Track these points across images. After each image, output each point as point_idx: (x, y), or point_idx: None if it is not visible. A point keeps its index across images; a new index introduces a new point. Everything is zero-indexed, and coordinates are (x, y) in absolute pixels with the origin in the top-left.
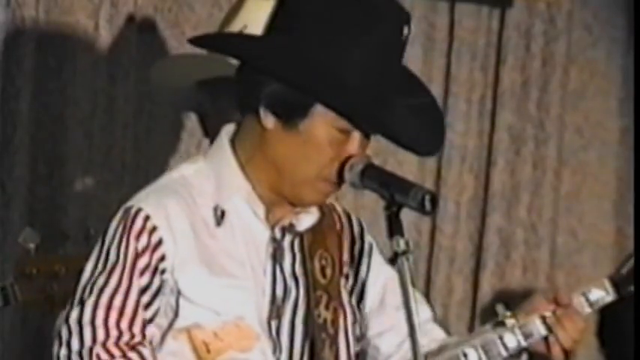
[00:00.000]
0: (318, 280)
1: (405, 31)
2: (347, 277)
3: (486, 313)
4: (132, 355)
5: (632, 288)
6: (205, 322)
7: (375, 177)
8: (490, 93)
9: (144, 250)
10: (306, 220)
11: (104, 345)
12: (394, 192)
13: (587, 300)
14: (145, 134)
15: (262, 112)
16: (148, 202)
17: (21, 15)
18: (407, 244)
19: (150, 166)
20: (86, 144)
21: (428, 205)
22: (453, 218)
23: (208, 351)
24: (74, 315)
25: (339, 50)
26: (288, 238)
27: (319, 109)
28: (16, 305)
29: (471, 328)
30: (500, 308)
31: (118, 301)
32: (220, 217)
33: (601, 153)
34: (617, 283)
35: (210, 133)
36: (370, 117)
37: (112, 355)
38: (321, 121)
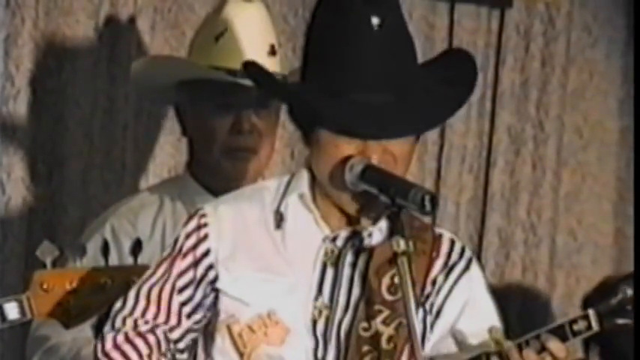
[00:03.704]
0: (382, 295)
1: (375, 21)
2: (427, 298)
3: None
4: (137, 341)
5: (617, 321)
6: (239, 315)
7: (374, 178)
8: (490, 93)
9: (190, 249)
10: (376, 236)
11: (121, 333)
12: (394, 193)
13: (572, 330)
14: (144, 134)
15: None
16: (213, 203)
17: (21, 15)
18: (407, 244)
19: (150, 166)
20: (86, 144)
21: (427, 206)
22: (452, 218)
23: (244, 345)
24: (116, 304)
25: (321, 61)
26: (353, 248)
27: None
28: (32, 319)
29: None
30: (496, 331)
31: (155, 293)
32: (280, 219)
33: (601, 153)
34: (602, 316)
35: (189, 132)
36: (321, 113)
37: (116, 346)
38: (321, 130)
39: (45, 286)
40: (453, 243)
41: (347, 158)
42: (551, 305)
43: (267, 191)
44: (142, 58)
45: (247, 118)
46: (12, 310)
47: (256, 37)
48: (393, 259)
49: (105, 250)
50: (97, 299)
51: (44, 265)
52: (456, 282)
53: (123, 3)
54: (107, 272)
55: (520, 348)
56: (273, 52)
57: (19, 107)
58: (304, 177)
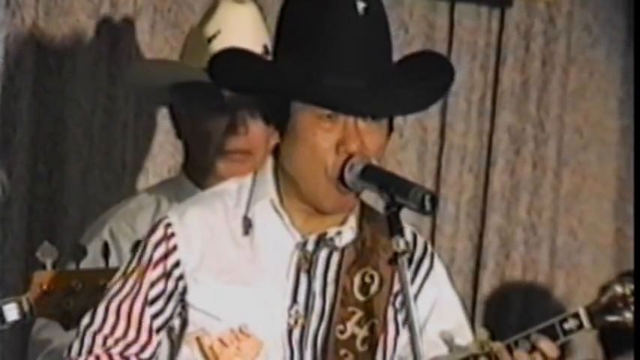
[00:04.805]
0: (355, 296)
1: (360, 6)
2: (396, 296)
3: (486, 314)
4: None
5: (608, 318)
6: (210, 328)
7: (374, 177)
8: (490, 93)
9: (160, 259)
10: (346, 235)
11: (94, 352)
12: (394, 192)
13: (562, 329)
14: (144, 134)
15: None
16: (176, 211)
17: (21, 15)
18: (407, 244)
19: (150, 166)
20: (86, 144)
21: (428, 206)
22: (452, 218)
23: (216, 358)
24: (85, 319)
25: (302, 41)
26: (325, 251)
27: (293, 105)
28: (32, 320)
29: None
30: (482, 333)
31: (125, 308)
32: (248, 226)
33: (601, 153)
34: (592, 314)
35: (183, 135)
36: (305, 92)
37: None
38: (298, 113)
39: (45, 288)
40: (415, 236)
41: (324, 151)
42: (551, 305)
43: (229, 195)
44: (135, 62)
45: (242, 119)
46: (11, 312)
47: (249, 38)
48: (393, 259)
49: (105, 252)
50: (97, 301)
51: (44, 266)
52: (422, 283)
53: (123, 3)
54: (107, 274)
55: (510, 349)
56: (266, 52)
57: (19, 107)
58: (269, 178)
